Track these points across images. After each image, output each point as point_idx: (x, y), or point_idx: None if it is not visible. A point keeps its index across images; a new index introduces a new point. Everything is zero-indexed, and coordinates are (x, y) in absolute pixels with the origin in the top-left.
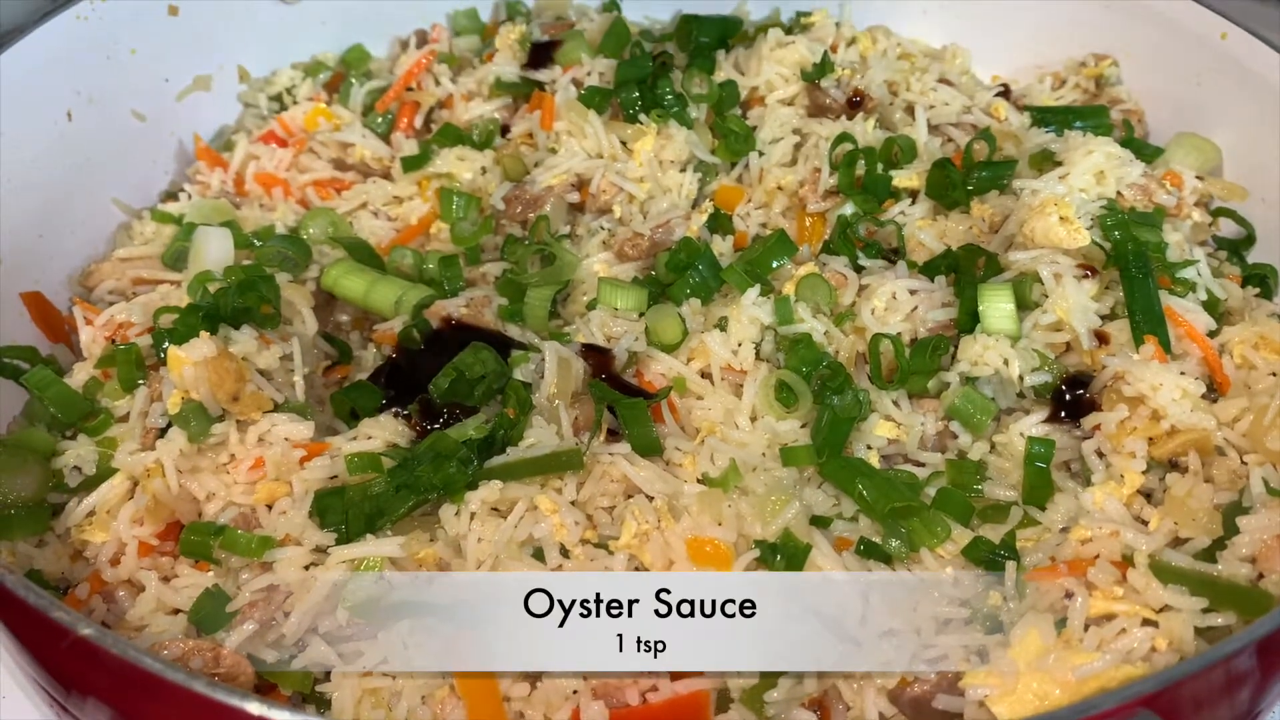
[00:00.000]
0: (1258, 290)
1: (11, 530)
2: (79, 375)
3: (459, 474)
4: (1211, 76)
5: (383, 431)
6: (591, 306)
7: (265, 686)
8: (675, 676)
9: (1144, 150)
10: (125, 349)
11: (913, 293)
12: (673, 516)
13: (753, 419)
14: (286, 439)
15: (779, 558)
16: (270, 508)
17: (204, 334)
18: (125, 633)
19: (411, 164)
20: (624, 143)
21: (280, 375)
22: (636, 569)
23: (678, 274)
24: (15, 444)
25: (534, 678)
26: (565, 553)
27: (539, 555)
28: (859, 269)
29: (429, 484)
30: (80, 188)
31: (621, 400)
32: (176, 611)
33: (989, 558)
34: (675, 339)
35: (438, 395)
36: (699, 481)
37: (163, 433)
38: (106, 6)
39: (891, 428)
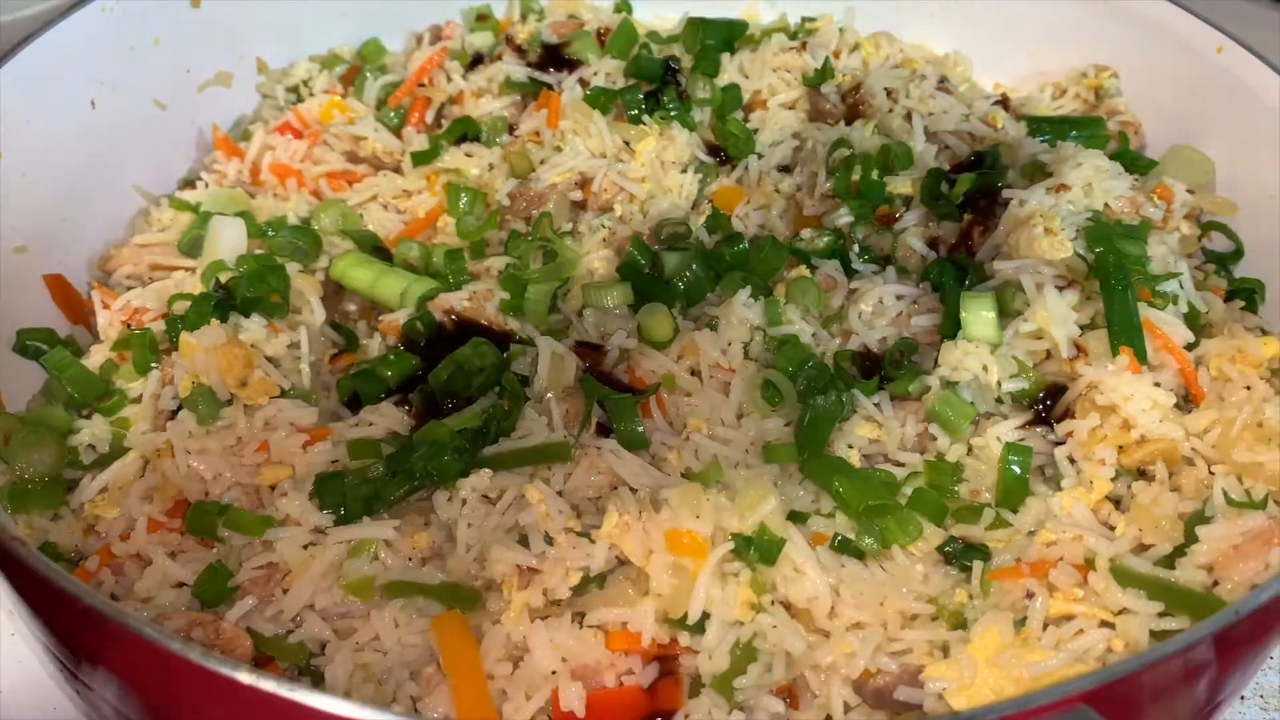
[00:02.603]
0: (1244, 304)
1: (28, 503)
2: (96, 357)
3: (453, 462)
4: (1207, 90)
5: (384, 419)
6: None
7: (263, 659)
8: (648, 660)
9: (1138, 162)
10: (140, 334)
11: (899, 298)
12: (654, 509)
13: (739, 416)
14: (291, 424)
15: (753, 550)
16: (273, 489)
17: (215, 321)
18: (133, 604)
19: (421, 159)
20: (627, 142)
21: (287, 362)
22: (617, 558)
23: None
24: (34, 421)
25: (516, 658)
26: (549, 540)
27: (524, 541)
28: (851, 273)
29: (424, 470)
30: (102, 174)
31: (610, 395)
32: (181, 585)
33: (958, 557)
34: (666, 336)
35: (436, 386)
36: (683, 476)
37: (173, 415)
38: None
39: (873, 428)
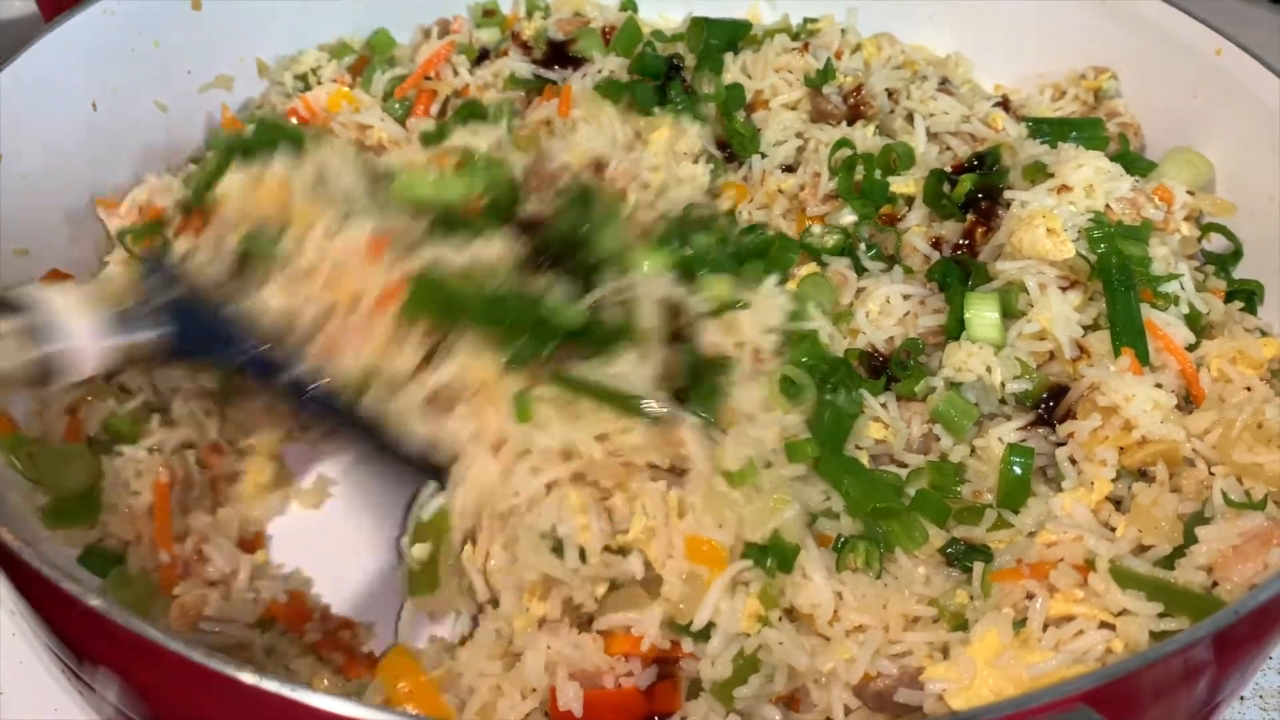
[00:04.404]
0: (1242, 305)
1: (64, 521)
2: (114, 267)
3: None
4: (1207, 91)
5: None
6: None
7: None
8: (647, 662)
9: (1138, 164)
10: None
11: (906, 298)
12: (679, 514)
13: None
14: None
15: (769, 561)
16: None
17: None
18: None
19: (430, 139)
20: (638, 134)
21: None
22: (645, 565)
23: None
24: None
25: (514, 656)
26: (583, 556)
27: (558, 550)
28: (860, 270)
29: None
30: (104, 176)
31: (703, 362)
32: None
33: (960, 558)
34: (727, 295)
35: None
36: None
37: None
38: (132, 1)
39: (880, 428)
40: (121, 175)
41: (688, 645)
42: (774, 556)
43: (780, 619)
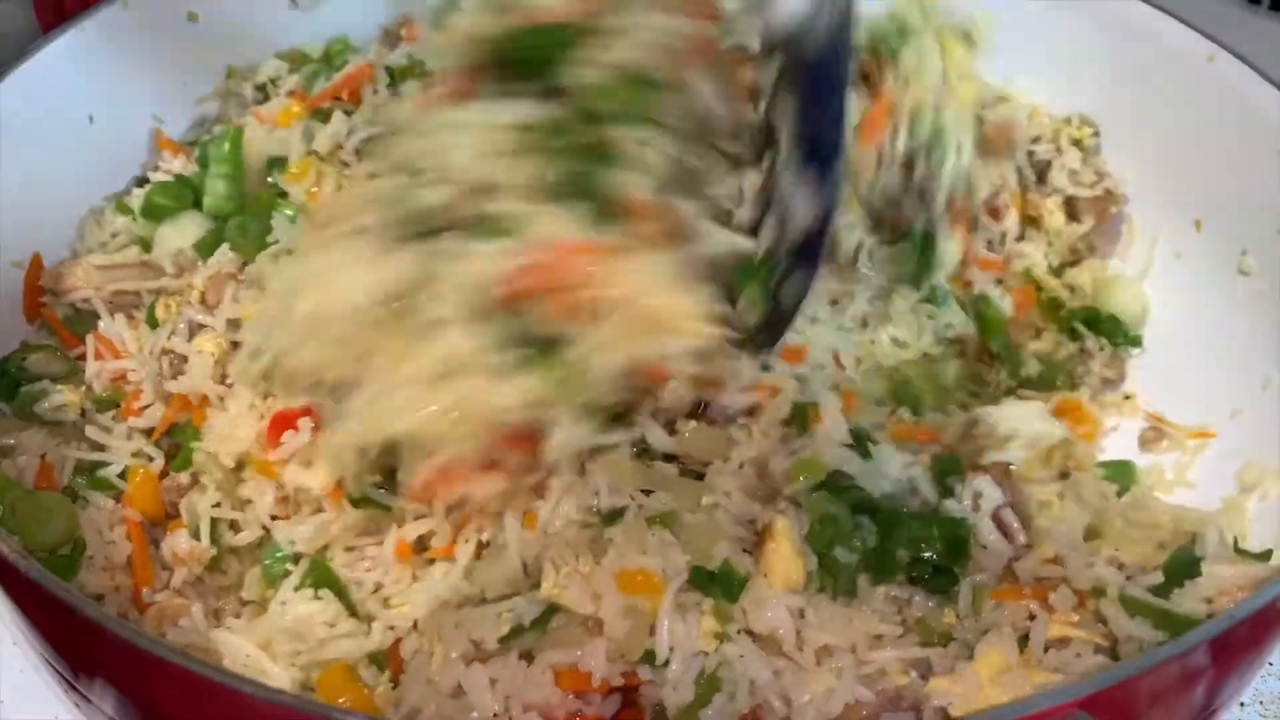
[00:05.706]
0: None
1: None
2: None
3: None
4: (1198, 99)
5: None
6: None
7: None
8: (607, 694)
9: None
10: None
11: None
12: (595, 556)
13: None
14: None
15: (715, 586)
16: None
17: None
18: None
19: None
20: None
21: None
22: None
23: None
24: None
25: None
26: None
27: None
28: None
29: None
30: (100, 189)
31: None
32: None
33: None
34: None
35: None
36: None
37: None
38: (128, 14)
39: None
40: (119, 188)
41: (645, 673)
42: (720, 585)
43: (739, 633)
